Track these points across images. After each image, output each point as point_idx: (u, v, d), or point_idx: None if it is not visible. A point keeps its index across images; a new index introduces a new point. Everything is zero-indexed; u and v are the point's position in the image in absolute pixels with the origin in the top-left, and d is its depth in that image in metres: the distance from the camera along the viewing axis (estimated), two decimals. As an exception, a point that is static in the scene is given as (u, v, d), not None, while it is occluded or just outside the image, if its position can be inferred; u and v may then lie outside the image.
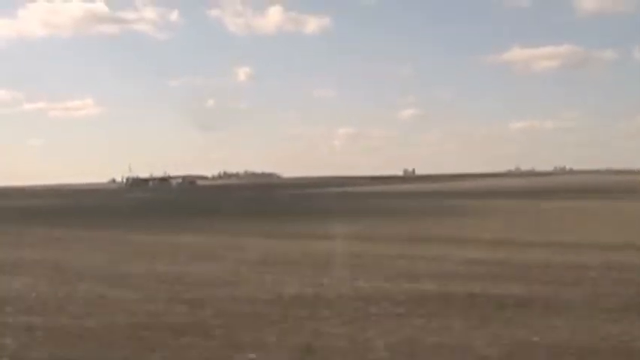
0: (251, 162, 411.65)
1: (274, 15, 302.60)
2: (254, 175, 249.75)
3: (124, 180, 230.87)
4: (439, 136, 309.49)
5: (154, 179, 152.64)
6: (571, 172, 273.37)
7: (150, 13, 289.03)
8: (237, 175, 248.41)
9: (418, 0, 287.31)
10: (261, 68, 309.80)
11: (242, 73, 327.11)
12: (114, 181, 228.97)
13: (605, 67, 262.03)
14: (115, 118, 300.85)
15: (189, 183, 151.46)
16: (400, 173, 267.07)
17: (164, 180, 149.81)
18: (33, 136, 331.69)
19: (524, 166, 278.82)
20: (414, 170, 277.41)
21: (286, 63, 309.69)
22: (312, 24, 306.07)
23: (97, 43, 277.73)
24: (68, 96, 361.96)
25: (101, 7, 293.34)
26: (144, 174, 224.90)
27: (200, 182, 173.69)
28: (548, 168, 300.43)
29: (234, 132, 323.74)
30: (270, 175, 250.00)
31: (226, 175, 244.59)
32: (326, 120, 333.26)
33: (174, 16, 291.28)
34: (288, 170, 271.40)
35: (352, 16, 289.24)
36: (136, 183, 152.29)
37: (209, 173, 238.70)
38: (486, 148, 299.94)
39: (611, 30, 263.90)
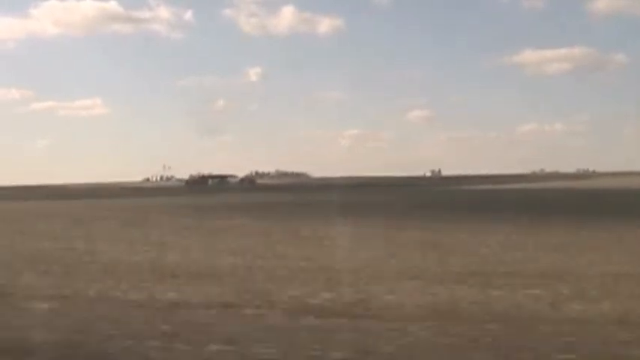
0: (261, 162, 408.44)
1: (287, 15, 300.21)
2: (285, 174, 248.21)
3: (158, 179, 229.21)
4: (449, 138, 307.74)
5: (213, 177, 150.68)
6: (596, 174, 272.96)
7: (164, 12, 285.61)
8: (268, 175, 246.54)
9: (432, 1, 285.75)
10: (272, 69, 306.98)
11: (253, 73, 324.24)
12: (148, 179, 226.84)
13: (619, 70, 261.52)
14: (125, 118, 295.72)
15: (249, 182, 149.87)
16: (422, 173, 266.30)
17: (223, 178, 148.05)
18: (41, 135, 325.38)
19: (536, 168, 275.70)
20: (439, 171, 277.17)
21: (298, 63, 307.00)
22: (325, 25, 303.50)
23: (109, 43, 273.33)
24: (78, 95, 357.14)
25: (115, 6, 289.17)
26: (161, 174, 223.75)
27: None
28: (567, 170, 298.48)
29: (242, 132, 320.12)
30: (301, 174, 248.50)
31: (258, 175, 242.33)
32: (335, 121, 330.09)
33: (188, 15, 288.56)
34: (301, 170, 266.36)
35: (365, 17, 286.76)
36: (195, 181, 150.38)
37: (223, 172, 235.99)
38: (496, 150, 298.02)
39: (626, 32, 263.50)
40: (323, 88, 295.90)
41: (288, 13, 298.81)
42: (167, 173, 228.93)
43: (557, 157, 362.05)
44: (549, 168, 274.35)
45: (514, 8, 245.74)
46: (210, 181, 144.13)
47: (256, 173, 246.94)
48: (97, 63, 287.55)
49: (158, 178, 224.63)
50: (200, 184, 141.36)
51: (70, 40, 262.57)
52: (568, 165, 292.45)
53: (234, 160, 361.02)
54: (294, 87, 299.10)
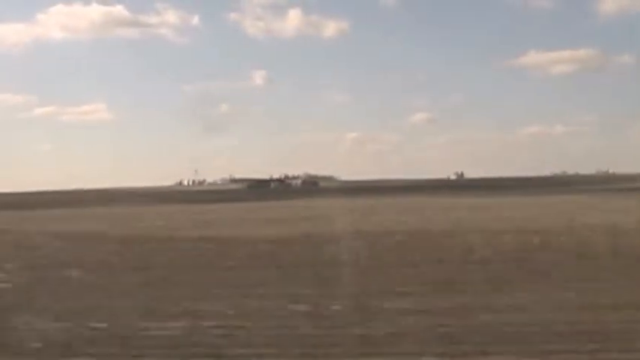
0: (267, 165, 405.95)
1: (294, 19, 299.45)
2: (315, 177, 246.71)
3: (190, 182, 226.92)
4: (453, 141, 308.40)
5: (274, 180, 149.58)
6: (616, 175, 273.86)
7: (171, 16, 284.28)
8: (298, 178, 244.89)
9: (438, 4, 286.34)
10: (277, 72, 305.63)
11: (258, 76, 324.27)
12: (180, 183, 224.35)
13: (624, 71, 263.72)
14: (130, 123, 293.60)
15: (312, 184, 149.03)
16: (442, 177, 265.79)
17: (283, 181, 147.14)
18: (44, 141, 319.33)
19: (538, 171, 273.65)
20: (462, 174, 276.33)
21: (303, 66, 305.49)
22: (331, 28, 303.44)
23: (115, 47, 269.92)
24: (82, 100, 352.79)
25: (121, 11, 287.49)
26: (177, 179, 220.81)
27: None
28: (585, 171, 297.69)
29: (247, 135, 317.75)
30: (329, 178, 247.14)
31: (287, 178, 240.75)
32: (338, 124, 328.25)
33: (195, 20, 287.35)
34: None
35: (371, 20, 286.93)
36: (257, 184, 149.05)
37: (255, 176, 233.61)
38: (501, 152, 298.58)
39: (632, 33, 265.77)
40: (328, 90, 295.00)
41: (294, 16, 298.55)
42: (198, 177, 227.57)
43: (562, 159, 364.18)
44: (554, 170, 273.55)
45: (523, 10, 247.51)
46: (272, 184, 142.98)
47: (286, 177, 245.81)
48: (102, 67, 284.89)
49: (190, 182, 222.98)
50: (261, 187, 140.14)
51: (76, 45, 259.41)
52: (574, 166, 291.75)
53: (239, 163, 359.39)
54: (299, 90, 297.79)
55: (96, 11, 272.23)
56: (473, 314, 12.33)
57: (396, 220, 38.62)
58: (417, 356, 9.86)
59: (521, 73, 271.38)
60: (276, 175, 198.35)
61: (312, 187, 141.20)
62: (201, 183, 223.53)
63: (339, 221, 37.87)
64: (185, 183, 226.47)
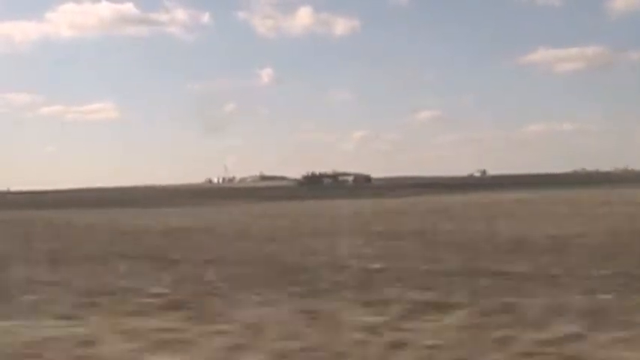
0: (273, 164, 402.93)
1: (303, 17, 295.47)
2: (345, 174, 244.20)
3: (220, 180, 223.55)
4: (461, 139, 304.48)
5: (326, 177, 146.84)
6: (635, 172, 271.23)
7: (181, 14, 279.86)
8: (326, 175, 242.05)
9: (448, 2, 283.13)
10: (286, 70, 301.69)
11: (265, 75, 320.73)
12: (210, 181, 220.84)
13: (634, 68, 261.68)
14: (137, 122, 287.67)
15: (365, 181, 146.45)
16: (457, 174, 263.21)
17: (336, 178, 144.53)
18: (49, 139, 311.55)
19: (546, 168, 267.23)
20: (485, 171, 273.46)
21: (311, 65, 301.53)
22: (341, 26, 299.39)
23: (124, 45, 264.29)
24: (89, 99, 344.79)
25: (131, 9, 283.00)
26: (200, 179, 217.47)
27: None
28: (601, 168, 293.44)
29: (253, 134, 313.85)
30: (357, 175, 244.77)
31: (315, 175, 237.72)
32: (344, 123, 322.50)
33: (204, 17, 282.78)
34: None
35: (381, 18, 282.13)
36: (309, 181, 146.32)
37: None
38: (508, 150, 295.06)
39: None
40: (334, 89, 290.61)
41: (304, 14, 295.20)
42: (228, 175, 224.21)
43: (573, 157, 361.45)
44: (558, 168, 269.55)
45: (530, 6, 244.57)
46: (324, 181, 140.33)
47: (313, 174, 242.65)
48: (110, 66, 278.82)
49: (220, 180, 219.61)
50: (314, 183, 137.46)
51: (84, 43, 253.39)
52: (585, 164, 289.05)
53: (246, 162, 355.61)
54: (307, 88, 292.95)
55: (105, 9, 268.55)
56: None
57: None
58: None
59: (530, 71, 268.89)
60: (303, 173, 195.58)
61: (365, 183, 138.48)
62: (231, 180, 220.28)
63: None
64: (215, 180, 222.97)
